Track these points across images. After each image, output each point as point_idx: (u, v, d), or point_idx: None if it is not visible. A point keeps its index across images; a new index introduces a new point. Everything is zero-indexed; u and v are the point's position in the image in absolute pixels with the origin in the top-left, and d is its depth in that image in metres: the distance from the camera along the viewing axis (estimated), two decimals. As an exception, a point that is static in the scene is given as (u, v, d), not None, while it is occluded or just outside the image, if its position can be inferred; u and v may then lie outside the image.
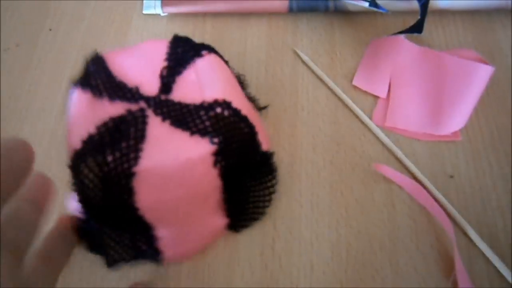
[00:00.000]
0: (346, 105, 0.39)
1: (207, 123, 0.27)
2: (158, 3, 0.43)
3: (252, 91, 0.40)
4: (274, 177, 0.34)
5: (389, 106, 0.39)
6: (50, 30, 0.45)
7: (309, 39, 0.43)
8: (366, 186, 0.36)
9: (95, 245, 0.29)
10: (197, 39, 0.40)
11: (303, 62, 0.41)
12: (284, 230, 0.34)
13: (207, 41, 0.40)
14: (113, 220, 0.27)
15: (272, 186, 0.34)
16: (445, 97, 0.38)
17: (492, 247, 0.33)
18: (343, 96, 0.39)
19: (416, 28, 0.39)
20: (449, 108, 0.38)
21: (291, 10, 0.43)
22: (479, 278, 0.32)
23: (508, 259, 0.33)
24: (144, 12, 0.44)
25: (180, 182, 0.27)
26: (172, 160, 0.26)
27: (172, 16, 0.45)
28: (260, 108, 0.38)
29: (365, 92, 0.40)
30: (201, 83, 0.29)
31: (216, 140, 0.27)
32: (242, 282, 0.33)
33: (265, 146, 0.35)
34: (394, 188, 0.36)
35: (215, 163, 0.27)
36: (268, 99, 0.40)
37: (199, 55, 0.30)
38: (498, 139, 0.38)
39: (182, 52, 0.30)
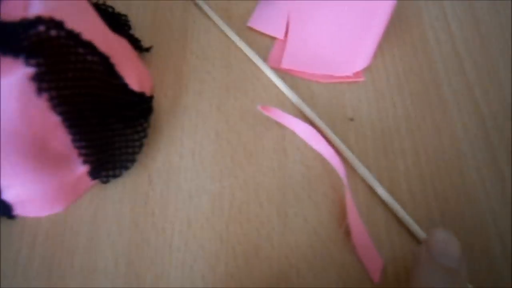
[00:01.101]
0: (239, 48, 0.35)
1: (25, 43, 0.22)
2: None
3: (137, 33, 0.35)
4: (146, 121, 0.30)
5: (286, 46, 0.35)
6: None
7: (205, -20, 0.39)
8: (256, 133, 0.32)
9: None
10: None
11: (195, 4, 0.37)
12: (161, 183, 0.30)
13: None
14: None
15: (143, 130, 0.30)
16: (345, 35, 0.34)
17: (392, 192, 0.30)
18: (235, 38, 0.35)
19: (316, -38, 0.35)
20: (350, 46, 0.34)
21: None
22: (377, 225, 0.29)
23: (409, 204, 0.29)
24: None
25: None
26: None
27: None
28: (142, 50, 0.34)
29: (262, 34, 0.36)
30: (28, 0, 0.24)
31: (33, 61, 0.22)
32: (107, 242, 0.28)
33: (139, 87, 0.30)
34: (288, 134, 0.32)
35: (39, 91, 0.23)
36: (153, 42, 0.35)
37: (31, -30, 0.25)
38: (404, 78, 0.34)
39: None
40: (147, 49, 0.34)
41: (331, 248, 0.28)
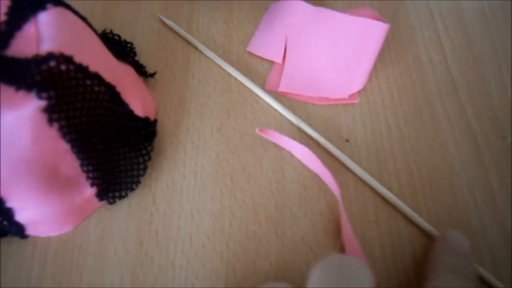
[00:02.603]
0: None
1: (37, 77, 0.24)
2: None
3: (142, 59, 0.37)
4: (150, 144, 0.32)
5: (284, 70, 0.36)
6: None
7: (206, 6, 0.41)
8: (254, 154, 0.33)
9: None
10: (87, 9, 0.38)
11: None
12: (164, 203, 0.32)
13: (98, 11, 0.38)
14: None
15: (148, 153, 0.31)
16: (340, 58, 0.36)
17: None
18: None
19: (311, -12, 0.37)
20: (345, 69, 0.36)
21: (186, -23, 0.40)
22: (371, 241, 0.30)
23: (402, 222, 0.31)
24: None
25: (10, 145, 0.24)
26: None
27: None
28: (146, 75, 0.36)
29: (261, 58, 0.38)
30: (40, 37, 0.26)
31: (44, 94, 0.24)
32: (114, 260, 0.30)
33: (143, 112, 0.32)
34: (285, 155, 0.33)
35: (50, 122, 0.24)
36: (157, 68, 0.37)
37: (42, 8, 0.27)
38: (398, 99, 0.36)
39: (25, 7, 0.27)
40: (152, 75, 0.36)
41: (326, 265, 0.29)
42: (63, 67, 0.25)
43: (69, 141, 0.26)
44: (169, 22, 0.38)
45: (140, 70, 0.36)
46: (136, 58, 0.37)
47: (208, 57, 0.37)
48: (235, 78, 0.36)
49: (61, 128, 0.25)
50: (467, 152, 0.34)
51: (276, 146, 0.34)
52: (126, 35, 0.38)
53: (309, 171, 0.33)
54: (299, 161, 0.33)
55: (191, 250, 0.30)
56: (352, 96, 0.35)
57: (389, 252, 0.30)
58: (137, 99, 0.32)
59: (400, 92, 0.36)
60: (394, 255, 0.30)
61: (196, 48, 0.38)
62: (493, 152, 0.33)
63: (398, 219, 0.31)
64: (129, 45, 0.37)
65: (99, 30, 0.37)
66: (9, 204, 0.28)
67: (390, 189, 0.32)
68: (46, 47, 0.25)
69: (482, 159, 0.33)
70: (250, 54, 0.38)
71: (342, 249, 0.30)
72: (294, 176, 0.32)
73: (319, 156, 0.32)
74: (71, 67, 0.25)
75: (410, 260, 0.29)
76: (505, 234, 0.30)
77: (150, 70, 0.36)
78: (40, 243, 0.30)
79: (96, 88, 0.27)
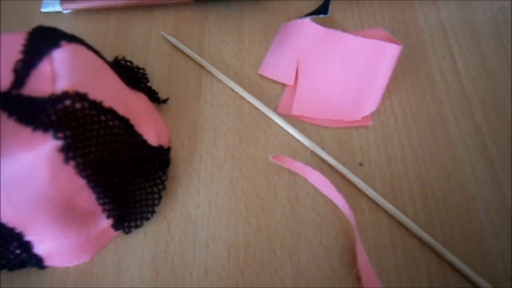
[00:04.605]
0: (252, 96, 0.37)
1: (53, 117, 0.24)
2: (57, 1, 0.41)
3: (155, 84, 0.38)
4: (164, 173, 0.32)
5: (296, 93, 0.36)
6: None
7: (217, 28, 0.41)
8: (268, 180, 0.33)
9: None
10: (100, 35, 0.39)
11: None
12: (179, 232, 0.32)
13: (111, 37, 0.39)
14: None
15: (162, 183, 0.32)
16: (352, 81, 0.36)
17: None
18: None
19: (322, 10, 0.37)
20: (358, 92, 0.35)
21: (196, 0, 0.41)
22: (386, 267, 0.30)
23: (417, 247, 0.30)
24: (43, 10, 0.41)
25: (29, 183, 0.24)
26: (13, 161, 0.23)
27: (75, 13, 0.42)
28: (159, 102, 0.36)
29: (273, 81, 0.38)
30: (55, 75, 0.26)
31: (61, 134, 0.24)
32: (131, 290, 0.30)
33: (157, 140, 0.32)
34: (299, 180, 0.33)
35: (66, 160, 0.25)
36: (170, 93, 0.37)
37: (57, 45, 0.27)
38: (412, 120, 0.35)
39: (40, 44, 0.27)
40: (164, 101, 0.36)
41: (342, 293, 0.29)
42: (78, 105, 0.25)
43: (85, 176, 0.27)
44: (173, 40, 0.39)
45: (153, 96, 0.36)
46: (149, 84, 0.37)
47: (220, 80, 0.38)
48: (248, 102, 0.37)
49: (77, 166, 0.26)
50: (483, 173, 0.33)
51: (289, 171, 0.33)
52: (138, 60, 0.38)
53: (324, 196, 0.33)
54: (313, 187, 0.33)
55: (206, 279, 0.30)
56: (365, 118, 0.35)
57: (405, 278, 0.30)
58: (151, 127, 0.32)
59: (414, 113, 0.36)
60: (410, 281, 0.29)
61: (208, 71, 0.38)
62: (510, 173, 0.33)
63: (414, 244, 0.31)
64: (141, 71, 0.37)
65: (112, 55, 0.37)
66: (28, 237, 0.28)
67: (405, 213, 0.32)
68: (61, 85, 0.25)
69: (499, 180, 0.33)
70: (262, 76, 0.38)
71: (358, 277, 0.29)
72: (308, 202, 0.32)
73: (332, 181, 0.32)
74: (86, 104, 0.26)
75: (426, 285, 0.29)
76: (524, 258, 0.30)
77: (162, 95, 0.37)
78: (58, 273, 0.31)
79: (111, 123, 0.27)
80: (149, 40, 0.40)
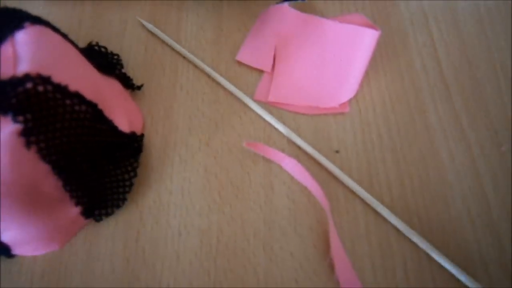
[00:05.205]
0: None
1: (13, 100, 0.23)
2: (31, -16, 0.40)
3: (130, 71, 0.37)
4: (136, 161, 0.31)
5: (273, 79, 0.36)
6: None
7: (195, 14, 0.40)
8: (243, 168, 0.33)
9: None
10: (75, 21, 0.38)
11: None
12: (151, 220, 0.31)
13: (86, 23, 0.38)
14: None
15: (133, 170, 0.31)
16: (330, 67, 0.35)
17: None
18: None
19: (300, -5, 0.36)
20: (335, 78, 0.35)
21: (174, -15, 0.40)
22: (361, 256, 0.29)
23: (393, 235, 0.30)
24: (16, -5, 0.40)
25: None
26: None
27: (50, -2, 0.41)
28: (134, 88, 0.35)
29: (251, 68, 0.37)
30: (17, 57, 0.25)
31: (20, 118, 0.23)
32: (101, 279, 0.29)
33: (129, 127, 0.32)
34: (274, 168, 0.33)
35: (28, 144, 0.24)
36: (145, 79, 0.36)
37: (20, 27, 0.26)
38: (390, 107, 0.35)
39: (2, 25, 0.27)
40: (139, 87, 0.35)
41: (316, 282, 0.29)
42: (40, 88, 0.24)
43: (49, 162, 0.26)
44: (149, 26, 0.38)
45: (127, 82, 0.35)
46: (123, 70, 0.36)
47: (196, 67, 0.37)
48: (224, 89, 0.36)
49: (39, 151, 0.25)
50: (461, 161, 0.33)
51: (265, 159, 0.33)
52: (113, 47, 0.37)
53: (299, 184, 0.32)
54: (288, 174, 0.32)
55: (178, 268, 0.30)
56: (342, 105, 0.34)
57: (379, 267, 0.29)
58: (123, 114, 0.32)
59: (392, 100, 0.35)
60: (385, 270, 0.29)
61: (184, 57, 0.37)
62: (489, 161, 0.33)
63: (389, 232, 0.30)
64: (115, 57, 0.36)
65: (86, 42, 0.37)
66: (-6, 226, 0.27)
67: (382, 201, 0.31)
68: (23, 67, 0.25)
69: (477, 168, 0.33)
70: (239, 63, 0.37)
71: (331, 265, 0.29)
72: (283, 190, 0.32)
73: (308, 168, 0.31)
74: (49, 87, 0.25)
75: (401, 274, 0.29)
76: (500, 246, 0.30)
77: (137, 81, 0.36)
78: (26, 262, 0.30)
79: (77, 108, 0.26)
80: (125, 26, 0.39)
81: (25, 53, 0.25)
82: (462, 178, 0.32)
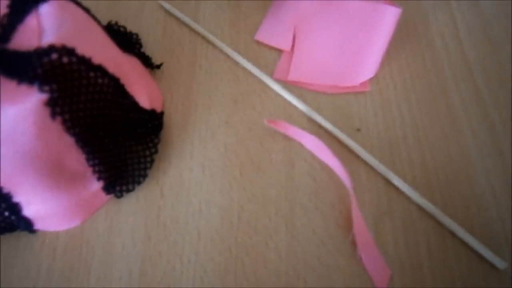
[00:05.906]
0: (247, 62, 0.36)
1: (39, 70, 0.23)
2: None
3: (148, 50, 0.37)
4: (156, 137, 0.31)
5: (293, 58, 0.35)
6: None
7: (213, -5, 0.40)
8: (263, 146, 0.33)
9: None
10: (92, 2, 0.38)
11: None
12: (171, 196, 0.31)
13: (104, 4, 0.38)
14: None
15: (154, 146, 0.31)
16: (351, 46, 0.35)
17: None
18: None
19: (320, -27, 0.36)
20: (356, 56, 0.34)
21: (192, -35, 0.40)
22: (384, 233, 0.29)
23: (416, 213, 0.30)
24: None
25: (14, 138, 0.24)
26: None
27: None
28: (153, 67, 0.35)
29: (270, 47, 0.37)
30: (42, 29, 0.25)
31: (46, 87, 0.23)
32: (122, 254, 0.29)
33: (150, 104, 0.32)
34: (294, 146, 0.33)
35: (53, 115, 0.24)
36: (164, 59, 0.36)
37: (44, 0, 0.26)
38: (411, 86, 0.34)
39: (26, -2, 0.27)
40: (158, 66, 0.35)
41: (338, 259, 0.29)
42: (65, 59, 0.24)
43: (74, 134, 0.26)
44: (168, 6, 0.38)
45: (146, 61, 0.35)
46: (142, 50, 0.36)
47: (215, 47, 0.37)
48: (243, 68, 0.36)
49: (64, 122, 0.25)
50: (484, 139, 0.32)
51: (285, 137, 0.33)
52: (132, 27, 0.37)
53: (320, 162, 0.32)
54: (309, 152, 0.32)
55: (199, 244, 0.30)
56: (363, 84, 0.34)
57: (402, 244, 0.29)
58: (143, 91, 0.32)
59: (413, 79, 0.35)
60: (407, 248, 0.29)
61: (203, 37, 0.37)
62: (511, 139, 0.32)
63: (412, 210, 0.30)
64: (134, 36, 0.36)
65: (105, 22, 0.37)
66: (16, 198, 0.27)
67: (404, 179, 0.31)
68: (48, 39, 0.25)
69: (500, 146, 0.32)
70: (258, 42, 0.37)
71: (353, 242, 0.29)
72: (304, 168, 0.32)
73: (329, 147, 0.31)
74: (74, 59, 0.25)
75: (424, 252, 0.29)
76: (525, 224, 0.29)
77: (156, 61, 0.36)
78: (48, 238, 0.30)
79: (100, 80, 0.26)
80: (143, 6, 0.39)
81: (49, 25, 0.25)
82: (485, 156, 0.32)
